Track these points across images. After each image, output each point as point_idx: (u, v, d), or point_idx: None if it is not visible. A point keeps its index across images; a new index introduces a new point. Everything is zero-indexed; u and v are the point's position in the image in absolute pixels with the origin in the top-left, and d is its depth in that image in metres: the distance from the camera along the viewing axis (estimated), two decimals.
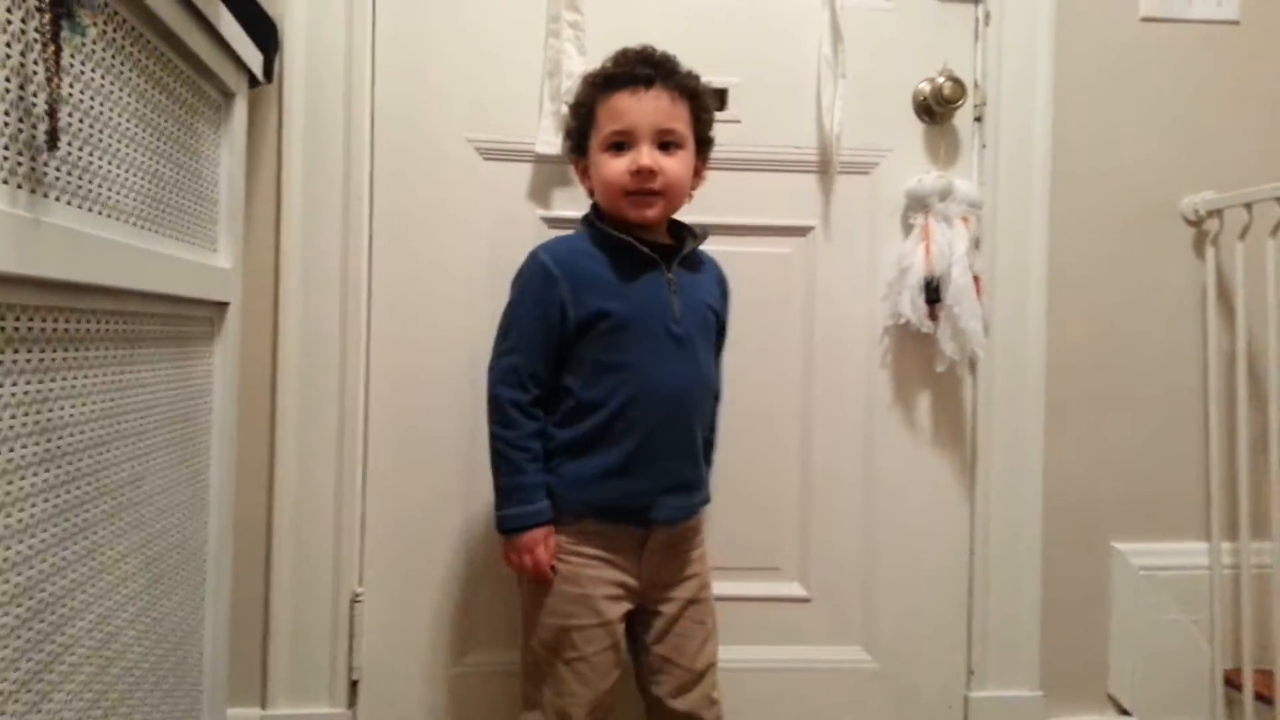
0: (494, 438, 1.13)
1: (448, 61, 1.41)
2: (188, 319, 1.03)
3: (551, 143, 1.39)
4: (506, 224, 1.42)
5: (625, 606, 1.14)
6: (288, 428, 1.36)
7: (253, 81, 1.23)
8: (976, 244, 1.45)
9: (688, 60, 1.43)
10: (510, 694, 1.42)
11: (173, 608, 1.01)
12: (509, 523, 1.11)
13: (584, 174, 1.22)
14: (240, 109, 1.18)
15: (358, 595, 1.39)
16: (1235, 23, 1.52)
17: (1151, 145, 1.52)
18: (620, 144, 1.14)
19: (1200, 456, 1.52)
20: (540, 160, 1.41)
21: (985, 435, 1.48)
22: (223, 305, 1.14)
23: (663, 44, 1.43)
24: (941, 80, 1.45)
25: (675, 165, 1.13)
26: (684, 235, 1.22)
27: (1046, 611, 1.48)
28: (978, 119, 1.49)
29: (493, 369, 1.15)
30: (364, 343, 1.39)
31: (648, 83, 1.14)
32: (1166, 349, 1.52)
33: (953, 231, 1.42)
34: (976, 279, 1.42)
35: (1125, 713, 1.50)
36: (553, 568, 1.12)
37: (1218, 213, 1.47)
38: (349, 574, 1.38)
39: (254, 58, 1.18)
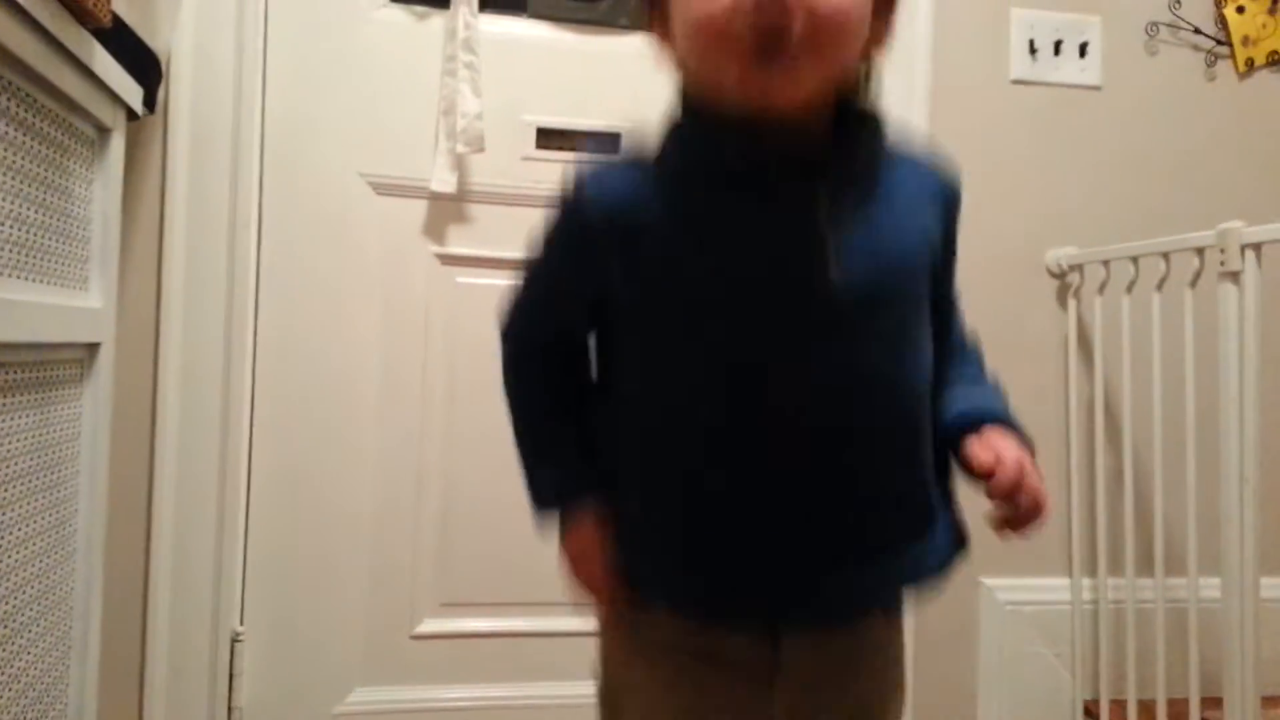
0: None
1: (340, 97, 1.41)
2: (52, 364, 1.01)
3: (447, 180, 1.40)
4: (399, 260, 1.43)
5: None
6: (166, 467, 1.32)
7: (131, 114, 1.20)
8: None
9: (579, 110, 1.47)
10: None
11: (34, 660, 0.98)
12: None
13: (665, 37, 0.69)
14: (117, 144, 1.15)
15: (239, 634, 1.36)
16: (1097, 88, 1.62)
17: (1020, 201, 1.60)
18: None
19: (1063, 495, 1.60)
20: (435, 197, 1.42)
21: None
22: (94, 346, 1.11)
23: (559, 88, 1.47)
24: None
25: None
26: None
27: (918, 646, 1.52)
28: None
29: None
30: (249, 380, 1.38)
31: None
32: (1032, 393, 1.58)
33: None
34: None
35: None
36: None
37: (1079, 267, 1.56)
38: (229, 613, 1.36)
39: (133, 92, 1.16)
